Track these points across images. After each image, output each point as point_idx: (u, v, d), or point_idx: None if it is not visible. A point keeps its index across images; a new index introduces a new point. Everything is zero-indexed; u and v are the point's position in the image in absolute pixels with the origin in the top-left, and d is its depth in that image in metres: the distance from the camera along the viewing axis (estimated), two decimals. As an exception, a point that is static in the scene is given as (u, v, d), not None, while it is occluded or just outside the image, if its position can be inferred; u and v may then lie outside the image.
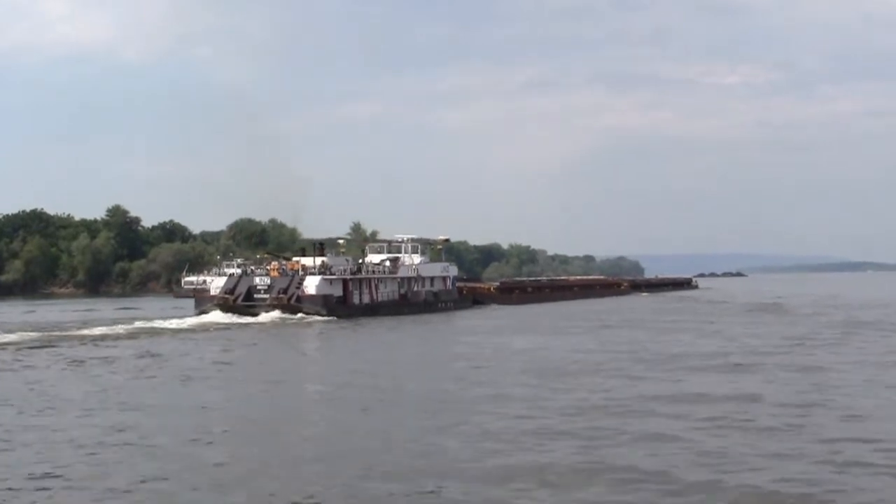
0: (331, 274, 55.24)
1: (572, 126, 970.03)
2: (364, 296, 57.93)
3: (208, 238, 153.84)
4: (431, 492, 12.35)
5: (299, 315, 51.74)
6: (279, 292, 53.37)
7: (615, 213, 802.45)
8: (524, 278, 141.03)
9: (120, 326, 43.96)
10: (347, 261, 60.33)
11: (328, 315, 52.22)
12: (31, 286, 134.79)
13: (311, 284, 53.48)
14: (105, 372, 26.33)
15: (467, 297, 73.02)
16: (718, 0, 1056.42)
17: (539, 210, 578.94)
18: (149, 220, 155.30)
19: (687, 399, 19.69)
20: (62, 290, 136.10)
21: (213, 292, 55.16)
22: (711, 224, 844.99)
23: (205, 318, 50.11)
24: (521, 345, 35.49)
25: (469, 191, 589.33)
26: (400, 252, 66.65)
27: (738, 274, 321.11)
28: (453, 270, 72.09)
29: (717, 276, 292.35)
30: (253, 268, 58.41)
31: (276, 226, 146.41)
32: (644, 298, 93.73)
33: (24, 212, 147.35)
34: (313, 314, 51.91)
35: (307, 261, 56.85)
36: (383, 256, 65.41)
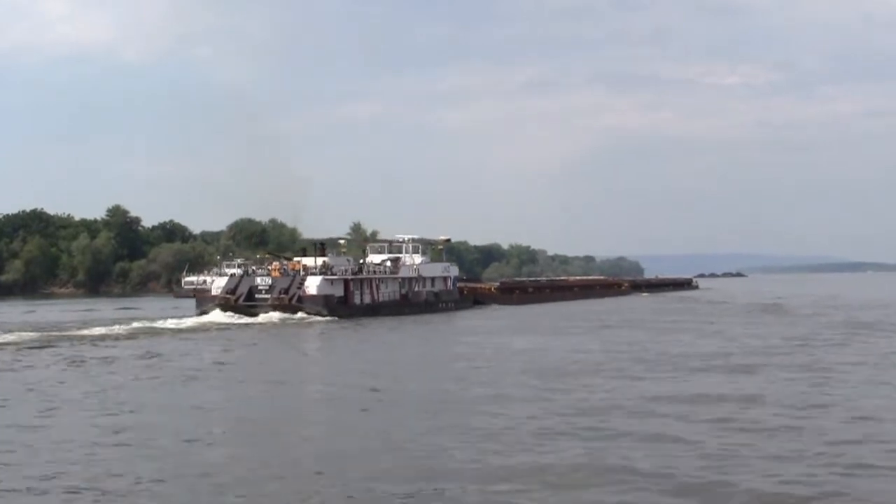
0: (332, 274, 55.27)
1: (572, 126, 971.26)
2: (365, 296, 57.99)
3: (208, 238, 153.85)
4: (433, 492, 12.33)
5: (300, 315, 51.81)
6: (280, 292, 53.44)
7: (615, 213, 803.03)
8: (524, 279, 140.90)
9: (120, 327, 43.90)
10: (349, 261, 60.39)
11: (329, 315, 52.27)
12: (31, 286, 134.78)
13: (313, 284, 53.53)
14: (106, 372, 26.31)
15: (468, 297, 73.10)
16: (718, 0, 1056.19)
17: (539, 210, 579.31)
18: (149, 221, 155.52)
19: (688, 400, 19.66)
20: (62, 290, 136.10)
21: (214, 292, 55.24)
22: (711, 224, 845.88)
23: (206, 318, 50.16)
24: (523, 345, 35.48)
25: (469, 191, 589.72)
26: (401, 252, 66.73)
27: (738, 274, 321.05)
28: (454, 271, 72.16)
29: (717, 276, 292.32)
30: (254, 268, 58.52)
31: (276, 226, 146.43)
32: (644, 299, 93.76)
33: (24, 212, 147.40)
34: (314, 314, 51.96)
35: (308, 261, 56.92)
36: (384, 257, 65.46)
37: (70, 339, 37.74)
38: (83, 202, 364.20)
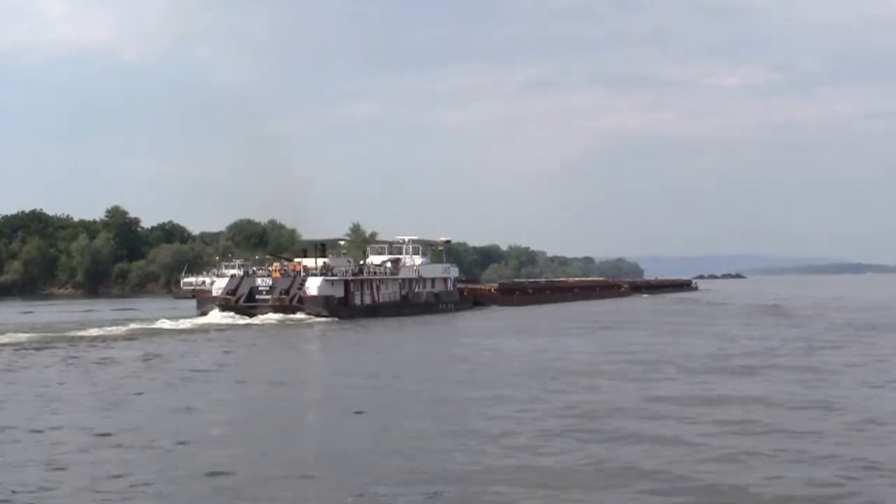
0: (332, 275, 55.31)
1: (572, 126, 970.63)
2: (365, 297, 58.02)
3: (207, 239, 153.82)
4: (434, 493, 12.27)
5: (301, 316, 51.83)
6: (281, 293, 53.48)
7: (614, 213, 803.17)
8: (523, 280, 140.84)
9: (120, 327, 43.87)
10: (349, 262, 60.42)
11: (329, 316, 52.31)
12: (31, 287, 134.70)
13: (313, 285, 53.57)
14: (106, 373, 26.22)
15: (468, 298, 73.17)
16: (718, 0, 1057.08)
17: (538, 211, 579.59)
18: (148, 221, 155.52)
19: (691, 402, 19.56)
20: (61, 290, 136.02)
21: (215, 293, 55.39)
22: (711, 225, 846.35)
23: (206, 319, 50.21)
24: (523, 346, 35.40)
25: (468, 191, 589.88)
26: (401, 253, 66.78)
27: (738, 275, 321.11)
28: (454, 272, 72.25)
29: (717, 277, 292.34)
30: (255, 269, 58.63)
31: (275, 227, 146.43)
32: (644, 300, 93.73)
33: (23, 212, 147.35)
34: (315, 315, 52.00)
35: (309, 262, 57.06)
36: (384, 257, 65.48)
37: (70, 339, 37.60)
38: (83, 202, 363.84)
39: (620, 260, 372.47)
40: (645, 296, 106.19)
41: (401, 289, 62.66)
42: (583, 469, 13.43)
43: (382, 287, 60.29)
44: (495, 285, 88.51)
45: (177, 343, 36.95)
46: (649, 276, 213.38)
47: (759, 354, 29.99)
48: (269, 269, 57.35)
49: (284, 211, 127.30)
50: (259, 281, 54.78)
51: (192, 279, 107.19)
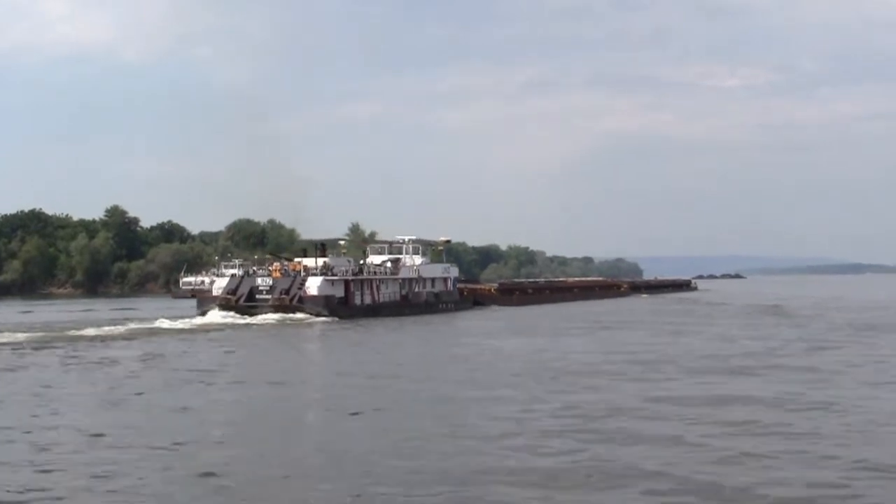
0: (332, 275, 55.29)
1: (572, 126, 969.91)
2: (365, 297, 58.00)
3: (207, 239, 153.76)
4: (436, 494, 12.23)
5: (301, 315, 51.80)
6: (281, 293, 53.46)
7: (614, 214, 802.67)
8: (522, 280, 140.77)
9: (120, 327, 43.79)
10: (349, 262, 60.40)
11: (330, 316, 52.28)
12: (30, 286, 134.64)
13: (313, 285, 53.55)
14: (106, 373, 26.15)
15: (468, 298, 73.14)
16: (718, 1, 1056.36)
17: (538, 211, 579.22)
18: (148, 221, 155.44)
19: (691, 401, 19.51)
20: (60, 290, 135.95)
21: (215, 293, 55.45)
22: (710, 225, 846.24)
23: (207, 319, 50.19)
24: (524, 346, 35.34)
25: (468, 191, 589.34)
26: (401, 253, 66.75)
27: (737, 276, 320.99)
28: (454, 272, 72.23)
29: (716, 277, 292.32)
30: (255, 268, 58.62)
31: (274, 226, 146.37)
32: (644, 300, 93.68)
33: (22, 212, 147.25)
34: (315, 315, 51.98)
35: (309, 261, 57.05)
36: (384, 257, 65.45)
37: (67, 339, 37.51)
38: (82, 202, 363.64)
39: (620, 260, 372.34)
40: (644, 296, 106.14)
41: (401, 289, 62.64)
42: (583, 470, 13.37)
43: (382, 287, 60.26)
44: (495, 285, 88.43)
45: (177, 343, 36.88)
46: (648, 276, 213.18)
47: (760, 355, 29.93)
48: (270, 268, 57.34)
49: (284, 211, 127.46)
50: (259, 281, 54.75)
51: (191, 279, 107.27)
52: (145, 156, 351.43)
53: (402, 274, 63.17)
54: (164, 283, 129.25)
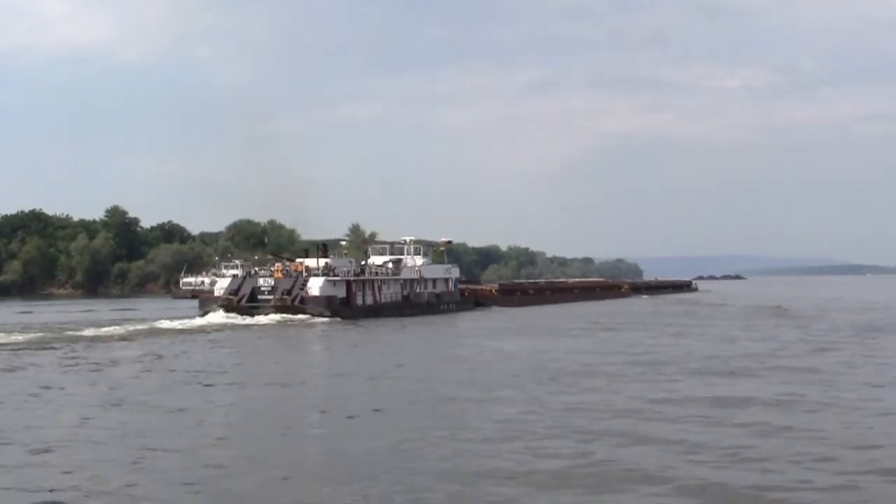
0: (334, 275, 55.25)
1: (572, 127, 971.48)
2: (367, 297, 57.96)
3: (207, 239, 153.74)
4: (433, 495, 12.19)
5: (303, 316, 51.74)
6: (283, 293, 53.39)
7: (614, 214, 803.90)
8: (523, 280, 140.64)
9: (120, 328, 43.68)
10: (351, 262, 60.38)
11: (331, 316, 52.25)
12: (30, 287, 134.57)
13: (315, 286, 53.52)
14: (107, 374, 26.05)
15: (469, 298, 73.09)
16: (718, 1, 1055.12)
17: (538, 211, 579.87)
18: (148, 221, 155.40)
19: (694, 403, 19.42)
20: (61, 290, 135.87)
21: (217, 293, 55.48)
22: (710, 226, 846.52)
23: (208, 319, 50.13)
24: (525, 347, 35.21)
25: (468, 191, 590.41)
26: (402, 254, 66.69)
27: (738, 276, 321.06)
28: (455, 272, 72.19)
29: (717, 278, 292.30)
30: (257, 269, 58.60)
31: (274, 227, 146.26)
32: (644, 301, 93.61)
33: (22, 212, 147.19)
34: (317, 315, 51.95)
35: (311, 262, 57.03)
36: (386, 258, 65.39)
37: (67, 340, 37.36)
38: (82, 203, 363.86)
39: (620, 261, 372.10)
40: (645, 297, 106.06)
41: (402, 289, 62.60)
42: (584, 471, 13.31)
43: (384, 287, 60.22)
44: (496, 286, 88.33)
45: (178, 343, 36.75)
46: (649, 276, 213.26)
47: (763, 356, 29.78)
48: (271, 269, 57.30)
49: (284, 211, 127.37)
50: (261, 281, 54.71)
51: (191, 279, 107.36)
52: (145, 156, 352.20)
53: (404, 275, 63.12)
54: (165, 283, 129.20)
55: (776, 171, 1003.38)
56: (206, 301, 55.87)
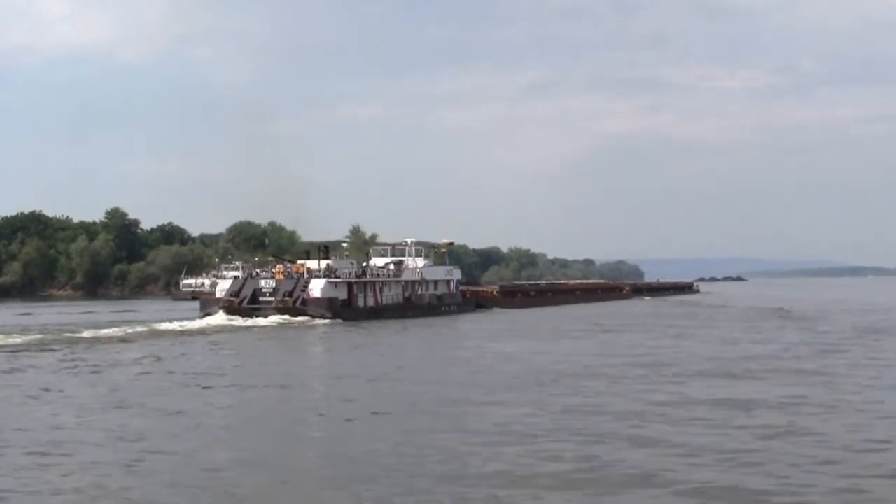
0: (336, 277, 55.10)
1: (572, 128, 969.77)
2: (369, 299, 57.83)
3: (207, 241, 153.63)
4: (432, 497, 12.09)
5: (304, 318, 51.61)
6: (284, 295, 53.25)
7: (615, 215, 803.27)
8: (523, 282, 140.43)
9: (121, 329, 43.54)
10: (352, 264, 60.20)
11: (333, 318, 52.11)
12: (30, 288, 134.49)
13: (316, 287, 53.38)
14: (107, 376, 25.87)
15: (470, 300, 72.95)
16: (718, 2, 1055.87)
17: (539, 212, 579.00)
18: (148, 222, 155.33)
19: (698, 405, 19.28)
20: (60, 292, 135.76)
21: (218, 295, 55.40)
22: (711, 227, 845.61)
23: (210, 321, 50.02)
24: (528, 349, 35.04)
25: (469, 192, 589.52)
26: (403, 255, 66.49)
27: (739, 278, 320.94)
28: (457, 274, 72.06)
29: (718, 280, 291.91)
30: (258, 271, 58.51)
31: (275, 228, 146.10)
32: (646, 303, 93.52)
33: (22, 214, 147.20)
34: (318, 317, 51.85)
35: (312, 264, 56.89)
36: (387, 260, 65.22)
37: (67, 342, 37.18)
38: (82, 203, 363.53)
39: (621, 262, 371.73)
40: (647, 298, 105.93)
41: (404, 291, 62.45)
42: (585, 474, 13.21)
43: (385, 289, 60.08)
44: (497, 288, 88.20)
45: (179, 345, 36.62)
46: (650, 278, 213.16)
47: (767, 358, 29.60)
48: (273, 271, 57.19)
49: (284, 211, 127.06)
50: (262, 283, 54.59)
51: (191, 281, 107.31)
52: (145, 156, 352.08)
53: (405, 276, 62.97)
54: (165, 285, 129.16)
55: (777, 172, 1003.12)
56: (207, 303, 55.84)
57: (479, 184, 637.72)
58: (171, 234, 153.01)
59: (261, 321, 50.19)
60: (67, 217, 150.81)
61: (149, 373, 26.59)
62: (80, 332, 41.75)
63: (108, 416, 18.57)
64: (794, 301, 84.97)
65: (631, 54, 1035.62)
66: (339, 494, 12.30)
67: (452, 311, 66.04)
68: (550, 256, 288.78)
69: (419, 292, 64.12)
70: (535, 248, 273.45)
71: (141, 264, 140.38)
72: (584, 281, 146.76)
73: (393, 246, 69.22)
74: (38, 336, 39.40)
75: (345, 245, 72.30)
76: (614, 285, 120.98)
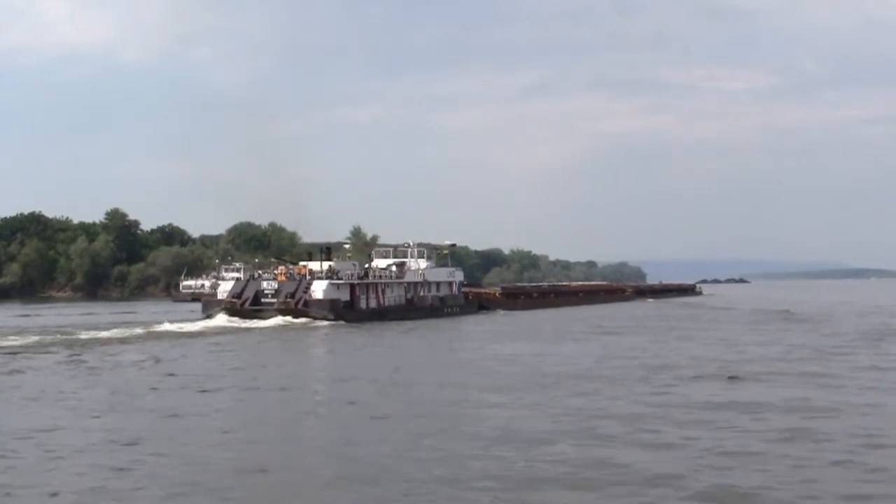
0: (338, 278, 54.88)
1: (573, 129, 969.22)
2: (371, 300, 57.56)
3: (207, 242, 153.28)
4: (432, 498, 12.02)
5: (306, 319, 51.33)
6: (286, 296, 53.01)
7: (616, 217, 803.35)
8: (525, 284, 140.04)
9: (123, 330, 43.25)
10: (354, 265, 59.97)
11: (335, 319, 51.89)
12: (29, 290, 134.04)
13: (319, 289, 53.15)
14: (108, 378, 25.54)
15: (473, 302, 72.69)
16: (719, 2, 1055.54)
17: (540, 213, 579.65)
18: (148, 223, 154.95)
19: (703, 407, 19.07)
20: (60, 293, 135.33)
21: (220, 296, 55.34)
22: (713, 229, 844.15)
23: (211, 323, 49.89)
24: (531, 351, 34.70)
25: (469, 193, 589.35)
26: (406, 257, 66.23)
27: (741, 280, 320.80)
28: (459, 276, 71.87)
29: (720, 282, 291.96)
30: (260, 272, 58.27)
31: (275, 229, 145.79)
32: (649, 304, 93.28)
33: (21, 214, 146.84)
34: (320, 318, 51.67)
35: (314, 265, 56.68)
36: (389, 261, 64.92)
37: (67, 343, 36.83)
38: (82, 204, 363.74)
39: (623, 264, 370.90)
40: (649, 300, 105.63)
41: (406, 292, 62.18)
42: (586, 476, 13.13)
43: (388, 291, 59.82)
44: (499, 289, 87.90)
45: (180, 347, 36.37)
46: (652, 280, 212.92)
47: (774, 360, 29.35)
48: (275, 272, 56.93)
49: (285, 212, 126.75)
50: (264, 284, 54.43)
51: (191, 282, 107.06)
52: (145, 156, 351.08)
53: (408, 278, 62.73)
54: (165, 286, 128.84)
55: (778, 173, 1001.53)
56: (209, 304, 55.76)
57: (479, 184, 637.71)
58: (171, 235, 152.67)
59: (263, 323, 49.99)
60: (67, 218, 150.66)
61: (149, 375, 26.27)
62: (80, 333, 41.40)
63: (107, 418, 18.37)
64: (799, 303, 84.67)
65: (631, 55, 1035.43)
66: (339, 496, 12.22)
67: (455, 312, 65.75)
68: (552, 258, 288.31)
69: (422, 294, 63.81)
70: (536, 250, 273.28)
71: (141, 265, 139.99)
72: (587, 283, 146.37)
73: (395, 247, 69.03)
74: (38, 338, 38.99)
75: (347, 246, 71.91)
76: (617, 287, 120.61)
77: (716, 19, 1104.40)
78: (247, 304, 53.02)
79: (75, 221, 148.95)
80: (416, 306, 62.12)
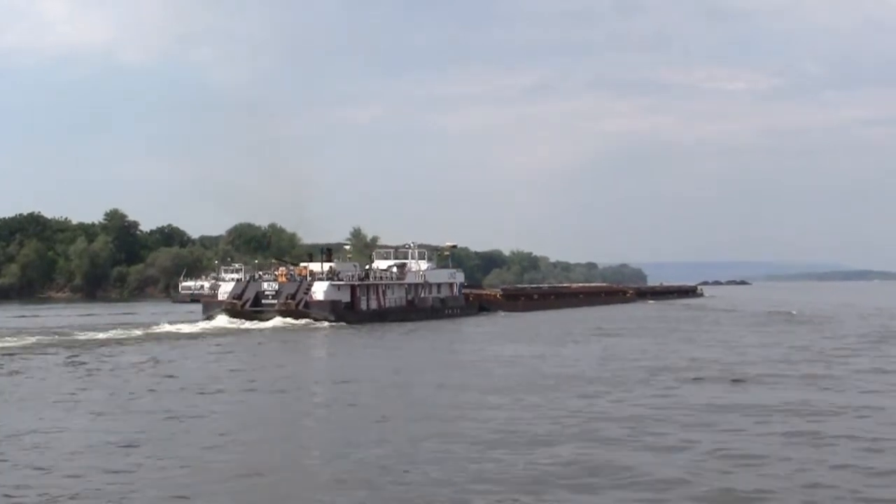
0: (339, 280, 54.80)
1: (574, 130, 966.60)
2: (372, 302, 57.48)
3: (207, 242, 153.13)
4: (431, 499, 11.98)
5: (307, 320, 51.21)
6: (287, 298, 52.95)
7: (617, 218, 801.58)
8: (526, 285, 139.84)
9: (123, 331, 43.16)
10: (355, 266, 59.81)
11: (336, 321, 51.83)
12: (28, 290, 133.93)
13: (320, 290, 53.11)
14: (106, 378, 25.45)
15: (473, 303, 72.59)
16: (720, 3, 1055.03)
17: (540, 214, 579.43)
18: (147, 224, 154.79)
19: (707, 409, 18.99)
20: (59, 294, 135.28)
21: (221, 297, 55.35)
22: (714, 230, 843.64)
23: (212, 324, 49.88)
24: (531, 353, 34.58)
25: (469, 194, 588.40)
26: (406, 258, 66.17)
27: (743, 282, 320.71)
28: (460, 277, 71.78)
29: (722, 283, 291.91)
30: (261, 273, 58.22)
31: (275, 230, 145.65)
32: (650, 306, 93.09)
33: (20, 215, 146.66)
34: (321, 320, 51.66)
35: (315, 266, 56.62)
36: (390, 262, 64.81)
37: (67, 344, 36.75)
38: (82, 204, 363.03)
39: (624, 265, 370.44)
40: (650, 302, 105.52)
41: (407, 294, 62.09)
42: (586, 477, 13.13)
43: (389, 292, 59.72)
44: (499, 291, 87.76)
45: (180, 348, 36.30)
46: (653, 281, 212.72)
47: (776, 362, 29.27)
48: (275, 273, 56.85)
49: (285, 213, 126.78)
50: (265, 285, 54.44)
51: (190, 283, 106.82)
52: (145, 157, 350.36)
53: (409, 279, 62.67)
54: (164, 287, 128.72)
55: (780, 174, 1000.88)
56: (209, 305, 55.74)
57: (479, 185, 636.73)
58: (170, 236, 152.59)
59: (263, 324, 49.94)
60: (66, 218, 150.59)
61: (149, 376, 26.17)
62: (79, 334, 41.32)
63: (105, 419, 18.31)
64: (802, 305, 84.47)
65: (631, 55, 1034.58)
66: (339, 498, 12.18)
67: (456, 314, 65.69)
68: (552, 259, 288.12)
69: (422, 295, 63.71)
70: (536, 251, 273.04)
71: (140, 266, 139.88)
72: (587, 284, 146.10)
73: (396, 248, 68.94)
74: (36, 339, 38.89)
75: (347, 247, 71.75)
76: (618, 289, 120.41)
77: (716, 20, 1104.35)
78: (247, 306, 52.98)
79: (74, 222, 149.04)
80: (417, 308, 62.02)
